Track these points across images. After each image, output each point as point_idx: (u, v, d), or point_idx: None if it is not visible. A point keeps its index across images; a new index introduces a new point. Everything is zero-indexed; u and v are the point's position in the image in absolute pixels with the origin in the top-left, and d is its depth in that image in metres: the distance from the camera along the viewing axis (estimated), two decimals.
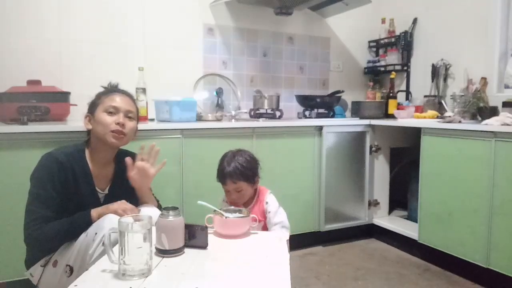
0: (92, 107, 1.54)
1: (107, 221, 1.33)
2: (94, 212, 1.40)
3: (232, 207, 1.58)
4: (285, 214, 1.64)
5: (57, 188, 1.40)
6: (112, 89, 1.58)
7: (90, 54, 2.53)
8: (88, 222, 1.37)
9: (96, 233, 1.32)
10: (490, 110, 2.52)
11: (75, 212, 1.41)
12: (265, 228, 1.63)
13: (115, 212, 1.37)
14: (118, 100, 1.51)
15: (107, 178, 1.58)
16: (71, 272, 1.36)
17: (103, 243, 1.26)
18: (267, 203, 1.62)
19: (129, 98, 1.57)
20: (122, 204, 1.41)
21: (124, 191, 1.55)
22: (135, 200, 1.56)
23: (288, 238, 1.38)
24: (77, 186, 1.46)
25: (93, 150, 1.54)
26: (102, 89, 1.61)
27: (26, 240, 1.39)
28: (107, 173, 1.58)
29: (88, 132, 1.56)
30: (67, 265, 1.38)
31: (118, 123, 1.47)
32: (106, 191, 1.57)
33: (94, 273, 1.08)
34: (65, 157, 1.45)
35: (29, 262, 1.47)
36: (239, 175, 1.56)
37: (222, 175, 1.59)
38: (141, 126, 2.14)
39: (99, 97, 1.55)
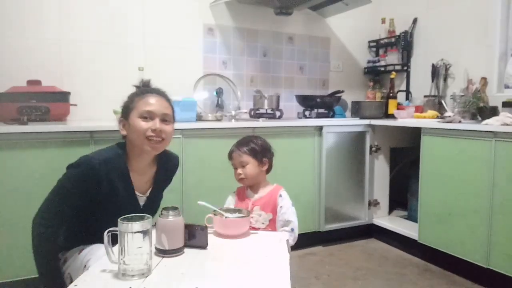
0: (126, 111, 1.40)
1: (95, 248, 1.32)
2: None
3: (232, 207, 1.59)
4: (295, 215, 1.60)
5: (83, 192, 1.32)
6: (145, 90, 1.43)
7: (90, 54, 2.53)
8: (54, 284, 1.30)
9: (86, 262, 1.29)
10: (490, 110, 2.52)
11: (114, 215, 1.17)
12: (273, 222, 1.59)
13: None
14: (153, 103, 1.37)
15: (148, 182, 1.49)
16: (71, 281, 1.35)
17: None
18: (280, 195, 1.60)
19: (164, 99, 1.43)
20: None
21: (155, 205, 1.53)
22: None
23: (288, 238, 1.38)
24: (114, 191, 1.36)
25: (130, 157, 1.42)
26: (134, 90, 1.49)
27: (32, 222, 1.31)
28: (148, 177, 1.48)
29: (124, 136, 1.44)
30: (68, 273, 1.38)
31: (154, 130, 1.35)
32: (148, 194, 1.49)
33: (94, 273, 1.08)
34: (103, 163, 1.34)
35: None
36: (247, 148, 1.60)
37: (232, 148, 1.64)
38: None
39: (132, 99, 1.40)
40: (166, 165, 1.53)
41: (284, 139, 2.57)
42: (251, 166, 1.60)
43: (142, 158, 1.42)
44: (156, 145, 1.37)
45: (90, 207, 1.35)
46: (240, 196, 1.66)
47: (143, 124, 1.35)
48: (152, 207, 1.50)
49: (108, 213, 1.26)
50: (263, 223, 1.57)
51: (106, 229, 1.20)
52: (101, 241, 1.16)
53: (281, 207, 1.58)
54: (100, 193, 1.33)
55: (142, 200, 1.47)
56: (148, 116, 1.36)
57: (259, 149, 1.62)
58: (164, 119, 1.39)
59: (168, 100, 1.44)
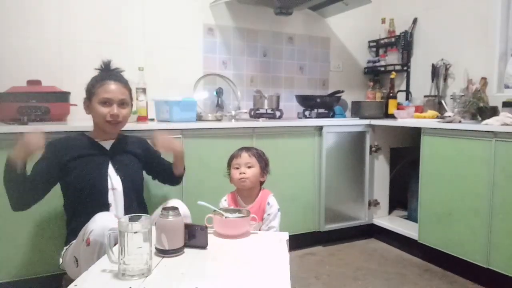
0: (89, 94, 1.62)
1: (97, 218, 1.39)
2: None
3: (232, 207, 1.59)
4: (279, 219, 1.65)
5: (45, 162, 1.54)
6: (105, 76, 1.63)
7: (90, 54, 2.53)
8: (8, 165, 1.44)
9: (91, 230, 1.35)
10: (490, 110, 2.52)
11: (86, 159, 1.58)
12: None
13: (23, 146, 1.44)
14: (111, 90, 1.58)
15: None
16: (77, 263, 1.39)
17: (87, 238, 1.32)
18: (268, 203, 1.64)
19: (122, 85, 1.63)
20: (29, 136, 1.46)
21: (127, 156, 1.70)
22: (137, 169, 1.74)
23: (288, 238, 1.38)
24: (79, 152, 1.59)
25: (95, 130, 1.68)
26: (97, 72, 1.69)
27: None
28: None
29: None
30: (74, 256, 1.43)
31: (112, 115, 1.58)
32: (114, 140, 1.69)
33: (94, 273, 1.08)
34: (63, 139, 1.64)
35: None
36: (256, 153, 1.67)
37: (238, 150, 1.67)
38: (141, 126, 2.14)
39: (93, 85, 1.61)
40: (131, 140, 1.76)
41: (284, 139, 2.57)
42: (256, 170, 1.63)
43: (104, 133, 1.66)
44: (115, 126, 1.63)
45: (67, 167, 1.56)
46: (232, 203, 1.68)
47: (103, 110, 1.58)
48: (121, 161, 1.65)
49: (84, 170, 1.55)
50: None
51: (90, 181, 1.55)
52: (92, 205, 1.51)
53: (268, 214, 1.63)
54: (64, 154, 1.56)
55: (107, 145, 1.66)
56: (107, 102, 1.58)
57: (264, 159, 1.69)
58: (121, 103, 1.61)
59: (124, 84, 1.65)
